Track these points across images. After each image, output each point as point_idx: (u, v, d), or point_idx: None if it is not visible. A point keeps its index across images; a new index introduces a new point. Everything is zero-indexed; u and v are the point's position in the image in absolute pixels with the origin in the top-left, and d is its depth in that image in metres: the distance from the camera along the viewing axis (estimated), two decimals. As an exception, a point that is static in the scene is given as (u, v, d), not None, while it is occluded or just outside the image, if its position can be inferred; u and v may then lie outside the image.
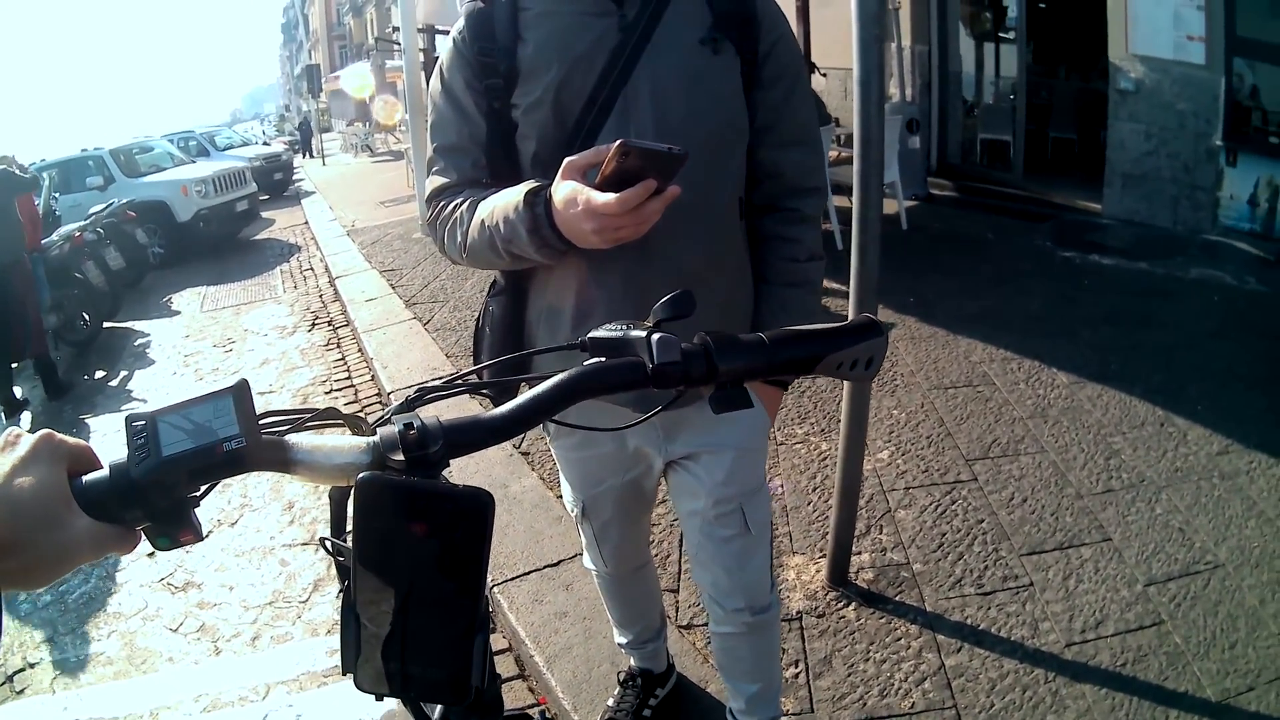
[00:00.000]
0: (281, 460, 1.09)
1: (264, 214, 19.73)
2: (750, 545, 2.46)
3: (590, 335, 1.24)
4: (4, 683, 4.43)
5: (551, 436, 2.50)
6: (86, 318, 11.03)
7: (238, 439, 1.03)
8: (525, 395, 1.16)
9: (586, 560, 2.93)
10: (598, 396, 1.18)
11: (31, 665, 4.54)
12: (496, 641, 3.93)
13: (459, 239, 2.11)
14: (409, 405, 1.18)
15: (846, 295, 3.51)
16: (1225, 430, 4.76)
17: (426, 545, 1.03)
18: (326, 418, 1.23)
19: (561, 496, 3.12)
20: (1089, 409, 5.10)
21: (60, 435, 1.03)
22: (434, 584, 1.06)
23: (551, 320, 2.20)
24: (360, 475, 1.02)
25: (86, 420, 8.14)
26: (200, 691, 4.11)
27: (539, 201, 1.83)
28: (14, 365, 9.32)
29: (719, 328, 1.22)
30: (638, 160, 1.56)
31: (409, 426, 1.07)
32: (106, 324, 11.42)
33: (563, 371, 1.17)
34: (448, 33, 2.25)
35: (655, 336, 1.15)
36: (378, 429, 1.11)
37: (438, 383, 1.27)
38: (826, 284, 2.45)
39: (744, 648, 2.69)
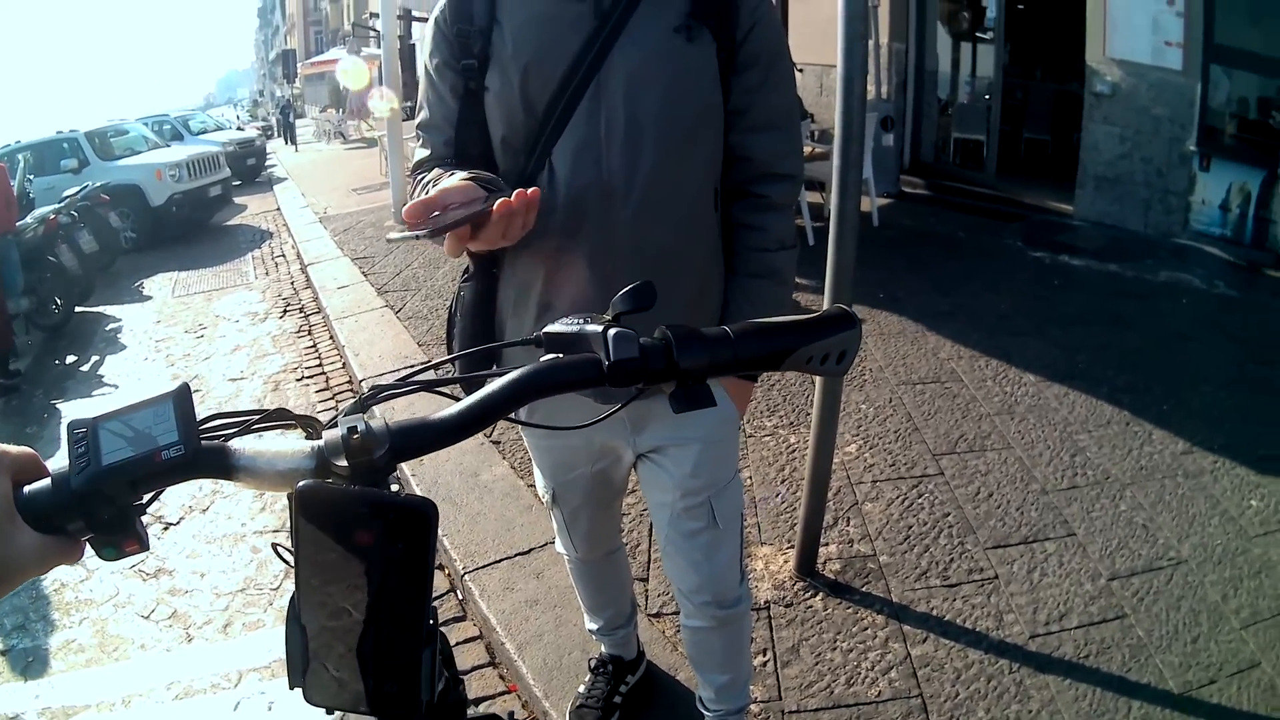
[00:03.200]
0: (224, 467, 1.07)
1: (237, 199, 19.59)
2: (718, 539, 2.48)
3: (546, 330, 1.21)
4: None
5: (525, 430, 2.51)
6: (59, 302, 10.98)
7: (177, 446, 1.01)
8: (476, 395, 1.13)
9: (558, 545, 2.94)
10: (553, 395, 1.15)
11: (3, 653, 4.54)
12: (466, 630, 3.98)
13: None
14: (362, 405, 1.13)
15: (816, 290, 3.58)
16: (1190, 430, 4.88)
17: (369, 556, 1.03)
18: (276, 419, 1.19)
19: (533, 485, 3.15)
20: (1056, 407, 5.22)
21: (3, 446, 1.02)
22: (379, 595, 1.06)
23: (519, 307, 2.23)
24: (299, 484, 1.02)
25: (58, 405, 8.12)
26: (172, 679, 4.13)
27: None
28: None
29: (689, 321, 1.18)
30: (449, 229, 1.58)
31: (353, 430, 1.04)
32: (79, 308, 11.35)
33: (516, 368, 1.14)
34: (426, 19, 2.31)
35: (612, 332, 1.11)
36: (323, 433, 1.10)
37: (392, 380, 1.24)
38: (796, 279, 2.43)
39: (713, 640, 2.73)
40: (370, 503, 1.02)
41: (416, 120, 2.27)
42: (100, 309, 11.67)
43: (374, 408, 1.14)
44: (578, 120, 2.02)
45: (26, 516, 0.97)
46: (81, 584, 5.04)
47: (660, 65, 2.03)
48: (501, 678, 3.74)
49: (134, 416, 1.03)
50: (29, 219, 10.99)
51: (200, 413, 1.08)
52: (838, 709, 3.27)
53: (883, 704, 3.26)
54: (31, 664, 4.42)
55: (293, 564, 1.09)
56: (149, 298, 12.04)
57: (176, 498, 5.80)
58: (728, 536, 2.51)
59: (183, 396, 1.05)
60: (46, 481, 1.01)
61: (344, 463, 1.04)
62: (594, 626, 3.23)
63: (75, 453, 1.00)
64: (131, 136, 18.59)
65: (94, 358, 9.43)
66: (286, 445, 1.10)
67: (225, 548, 5.17)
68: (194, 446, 1.02)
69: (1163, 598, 3.66)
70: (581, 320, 1.18)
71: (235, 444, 1.09)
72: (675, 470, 2.39)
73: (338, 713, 1.23)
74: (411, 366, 1.39)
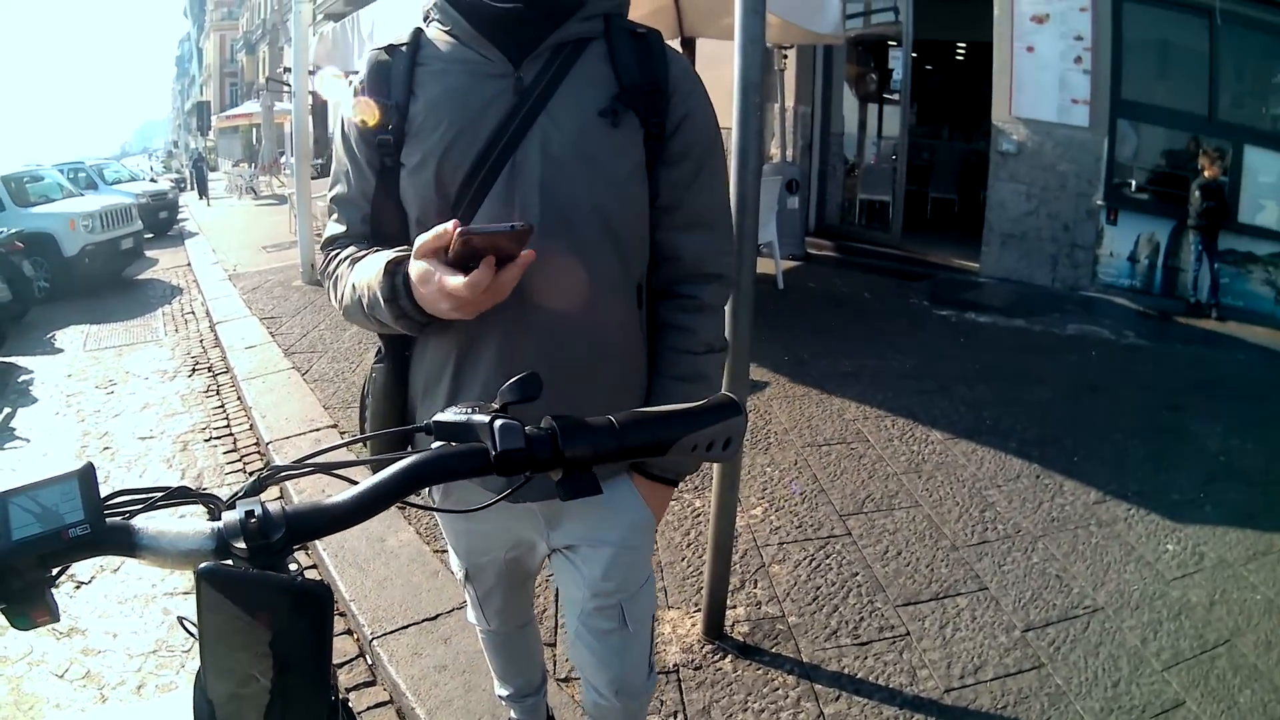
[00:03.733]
0: (128, 545, 1.09)
1: (149, 253, 19.32)
2: (628, 640, 2.42)
3: (435, 419, 1.24)
4: None
5: (437, 503, 2.39)
6: None
7: (83, 525, 1.03)
8: (368, 482, 1.16)
9: (470, 615, 2.87)
10: (442, 482, 1.21)
11: None
12: (377, 694, 3.90)
13: (338, 294, 2.06)
14: (259, 486, 1.18)
15: None
16: (1102, 480, 4.89)
17: (269, 636, 1.04)
18: (178, 497, 1.20)
19: (440, 551, 3.07)
20: (964, 463, 5.21)
21: None
22: (281, 674, 1.06)
23: (429, 393, 2.11)
24: (200, 566, 1.02)
25: None
26: None
27: (399, 272, 1.80)
28: None
29: (604, 415, 1.21)
30: (482, 241, 1.55)
31: (249, 514, 1.07)
32: None
33: (405, 456, 1.17)
34: (341, 76, 2.21)
35: (498, 423, 1.14)
36: (223, 514, 1.12)
37: (287, 463, 1.28)
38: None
39: (618, 717, 2.67)
40: (268, 585, 1.04)
41: (330, 193, 2.15)
42: (12, 359, 11.46)
43: (275, 487, 1.23)
44: (492, 202, 1.91)
45: None
46: None
47: (580, 148, 1.94)
48: None
49: (41, 493, 1.05)
50: None
51: (105, 488, 1.10)
52: None
53: None
54: None
55: (198, 639, 1.08)
56: (61, 350, 11.83)
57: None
58: (638, 637, 2.45)
59: (87, 476, 1.08)
60: None
61: (242, 545, 1.06)
62: (504, 693, 3.15)
63: None
64: (47, 183, 18.29)
65: (4, 409, 9.21)
66: (188, 526, 1.12)
67: (136, 609, 5.06)
68: (99, 526, 1.05)
69: (1080, 645, 3.64)
70: (470, 409, 1.21)
71: (139, 522, 1.12)
72: (588, 571, 2.32)
73: None
74: (315, 450, 1.35)
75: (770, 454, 5.59)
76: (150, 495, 1.18)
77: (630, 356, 2.15)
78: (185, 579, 5.25)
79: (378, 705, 3.85)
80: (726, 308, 3.05)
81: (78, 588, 5.33)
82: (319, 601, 1.05)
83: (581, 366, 1.91)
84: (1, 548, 1.01)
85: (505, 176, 1.91)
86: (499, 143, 1.91)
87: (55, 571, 1.09)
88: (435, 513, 2.45)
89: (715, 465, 3.62)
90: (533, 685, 3.13)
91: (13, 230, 13.42)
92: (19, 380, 10.48)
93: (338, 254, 2.08)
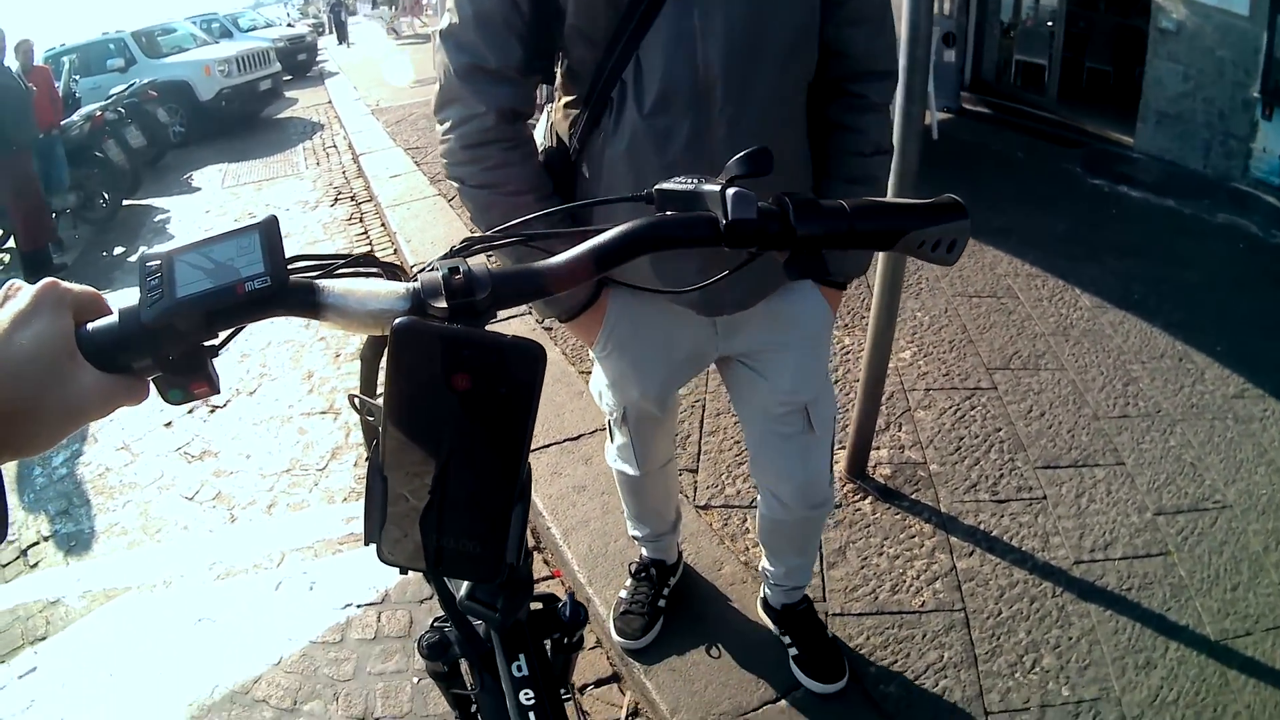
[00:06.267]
0: (311, 304, 0.95)
1: (287, 94, 19.25)
2: (812, 444, 2.33)
3: (659, 187, 1.10)
4: (17, 557, 4.39)
5: (602, 344, 2.25)
6: (106, 196, 10.93)
7: (262, 278, 0.88)
8: (585, 244, 1.01)
9: (613, 459, 2.77)
10: (664, 250, 1.02)
11: (46, 538, 4.49)
12: None
13: (486, 211, 1.91)
14: (455, 254, 1.04)
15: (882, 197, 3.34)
16: (1242, 374, 4.59)
17: (468, 401, 0.92)
18: (363, 264, 1.06)
19: (585, 372, 2.94)
20: (1110, 334, 4.93)
21: (66, 283, 0.91)
22: (474, 445, 0.96)
23: (607, 194, 1.92)
24: (397, 320, 0.90)
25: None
26: (214, 560, 4.06)
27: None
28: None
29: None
30: None
31: (454, 271, 0.94)
32: (126, 201, 11.28)
33: (614, 226, 1.01)
34: None
35: (730, 191, 0.99)
36: (419, 276, 0.98)
37: (485, 232, 1.15)
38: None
39: (794, 531, 2.62)
40: (476, 342, 0.91)
41: (443, 24, 1.82)
42: (149, 201, 11.60)
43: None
44: (670, 11, 1.71)
45: (89, 354, 0.86)
46: (126, 467, 5.00)
47: None
48: (546, 563, 3.64)
49: (215, 248, 0.91)
50: (75, 117, 10.86)
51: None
52: (880, 615, 3.12)
53: (925, 614, 3.11)
54: (74, 548, 4.38)
55: (373, 417, 1.02)
56: (198, 189, 11.97)
57: (223, 379, 5.66)
58: (822, 441, 2.35)
59: (271, 227, 0.93)
60: (113, 317, 0.90)
61: (443, 304, 0.93)
62: (638, 534, 3.08)
63: (147, 286, 0.88)
64: (179, 35, 18.17)
65: (141, 248, 9.26)
66: (380, 285, 0.98)
67: (272, 429, 5.12)
68: (281, 279, 0.89)
69: (1206, 540, 3.42)
70: (696, 180, 1.07)
71: (324, 282, 0.97)
72: (771, 376, 2.22)
73: (413, 572, 1.11)
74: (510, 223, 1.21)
75: (921, 299, 5.38)
76: (332, 260, 1.04)
77: (800, 160, 2.03)
78: (323, 398, 5.25)
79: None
80: (894, 140, 2.85)
81: (212, 412, 5.44)
82: (533, 359, 0.91)
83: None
84: (162, 306, 0.86)
85: None
86: None
87: (222, 337, 0.95)
88: (610, 348, 2.22)
89: (874, 302, 3.45)
90: (667, 524, 3.05)
91: (145, 80, 13.26)
92: (155, 220, 10.71)
93: (493, 135, 1.84)
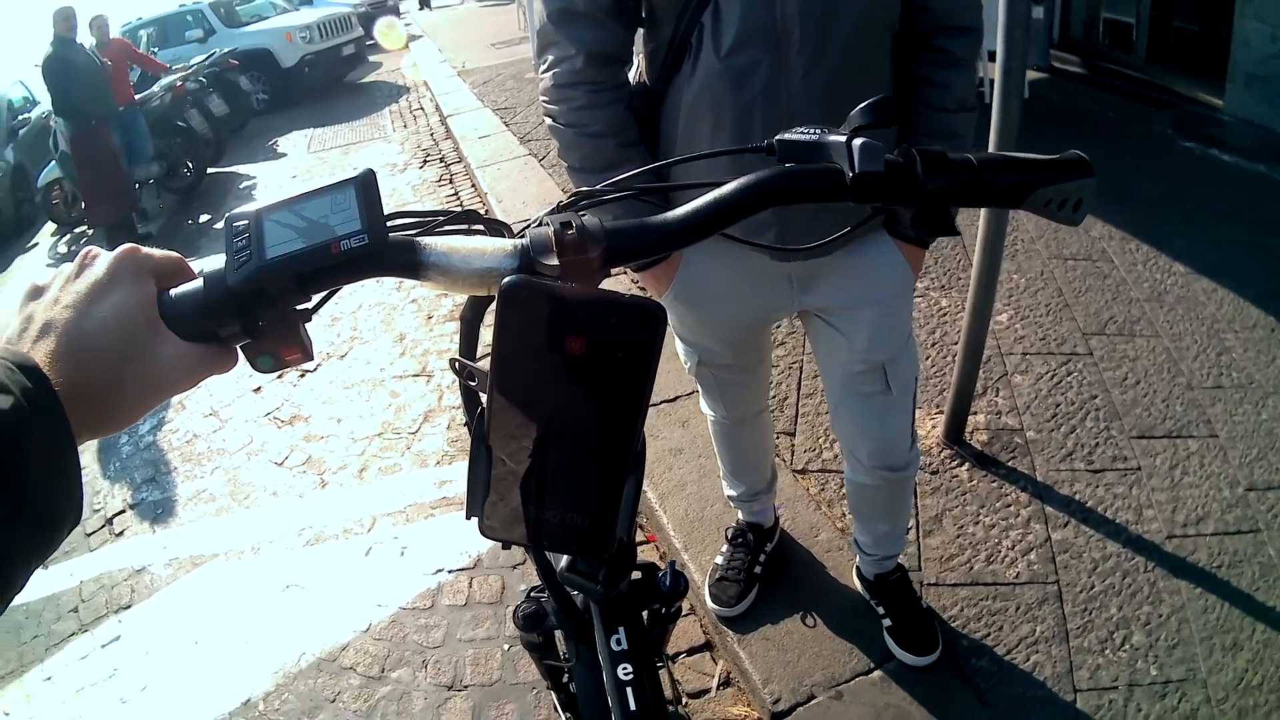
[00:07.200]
0: (411, 264, 0.89)
1: (371, 58, 19.21)
2: (890, 404, 2.29)
3: (780, 137, 1.01)
4: (103, 526, 4.45)
5: (671, 296, 2.24)
6: (190, 165, 11.04)
7: (359, 236, 0.82)
8: (705, 197, 0.95)
9: (703, 405, 2.77)
10: (788, 204, 0.95)
11: (132, 506, 4.55)
12: None
13: (569, 149, 1.99)
14: (561, 209, 0.97)
15: None
16: (1338, 350, 4.42)
17: (581, 366, 0.84)
18: (465, 221, 1.02)
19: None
20: (1204, 301, 4.77)
21: (146, 249, 0.86)
22: (585, 414, 0.88)
23: (688, 140, 1.96)
24: (505, 279, 0.82)
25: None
26: (304, 525, 4.09)
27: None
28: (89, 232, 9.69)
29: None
30: None
31: (566, 226, 0.88)
32: (211, 170, 11.37)
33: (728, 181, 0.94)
34: None
35: (857, 141, 0.91)
36: (527, 231, 0.91)
37: (594, 187, 1.07)
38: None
39: (878, 496, 2.58)
40: (592, 302, 0.83)
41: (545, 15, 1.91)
42: (233, 169, 11.68)
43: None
44: None
45: (173, 323, 0.82)
46: (214, 434, 5.07)
47: None
48: (640, 527, 3.55)
49: (306, 206, 0.86)
50: (155, 88, 10.96)
51: None
52: (975, 586, 3.07)
53: (1020, 586, 3.06)
54: (160, 515, 4.43)
55: (475, 382, 0.98)
56: (284, 155, 12.01)
57: (314, 343, 5.70)
58: (901, 401, 2.31)
59: (368, 182, 0.88)
60: (197, 282, 0.86)
61: (554, 261, 0.87)
62: (733, 493, 3.05)
63: (234, 247, 0.83)
64: (258, 4, 18.09)
65: (227, 214, 9.51)
66: (485, 243, 0.92)
67: (363, 393, 5.13)
68: (380, 237, 0.84)
69: (1296, 518, 3.32)
70: (820, 130, 0.99)
71: (425, 240, 0.91)
72: (849, 335, 2.19)
73: (515, 546, 1.05)
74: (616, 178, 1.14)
75: (1016, 261, 5.24)
76: (432, 217, 0.99)
77: None
78: (415, 361, 5.25)
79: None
80: (994, 94, 2.74)
81: (302, 376, 5.46)
82: (653, 320, 0.82)
83: (844, 119, 1.68)
84: (251, 268, 0.81)
85: None
86: None
87: (315, 301, 0.90)
88: (680, 298, 2.20)
89: (975, 263, 3.36)
90: (763, 482, 3.01)
91: (225, 50, 13.31)
92: (240, 187, 10.84)
93: (593, 86, 1.91)
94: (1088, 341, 4.39)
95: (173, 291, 0.85)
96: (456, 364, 1.03)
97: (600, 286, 0.90)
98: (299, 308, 0.88)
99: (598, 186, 1.07)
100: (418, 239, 0.91)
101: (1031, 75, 8.74)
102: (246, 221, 0.85)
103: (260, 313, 0.85)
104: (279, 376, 5.39)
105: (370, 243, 0.82)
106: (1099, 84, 9.42)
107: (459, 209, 1.03)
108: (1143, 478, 3.48)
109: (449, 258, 0.90)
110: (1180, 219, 5.73)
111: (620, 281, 4.64)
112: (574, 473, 0.92)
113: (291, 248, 0.82)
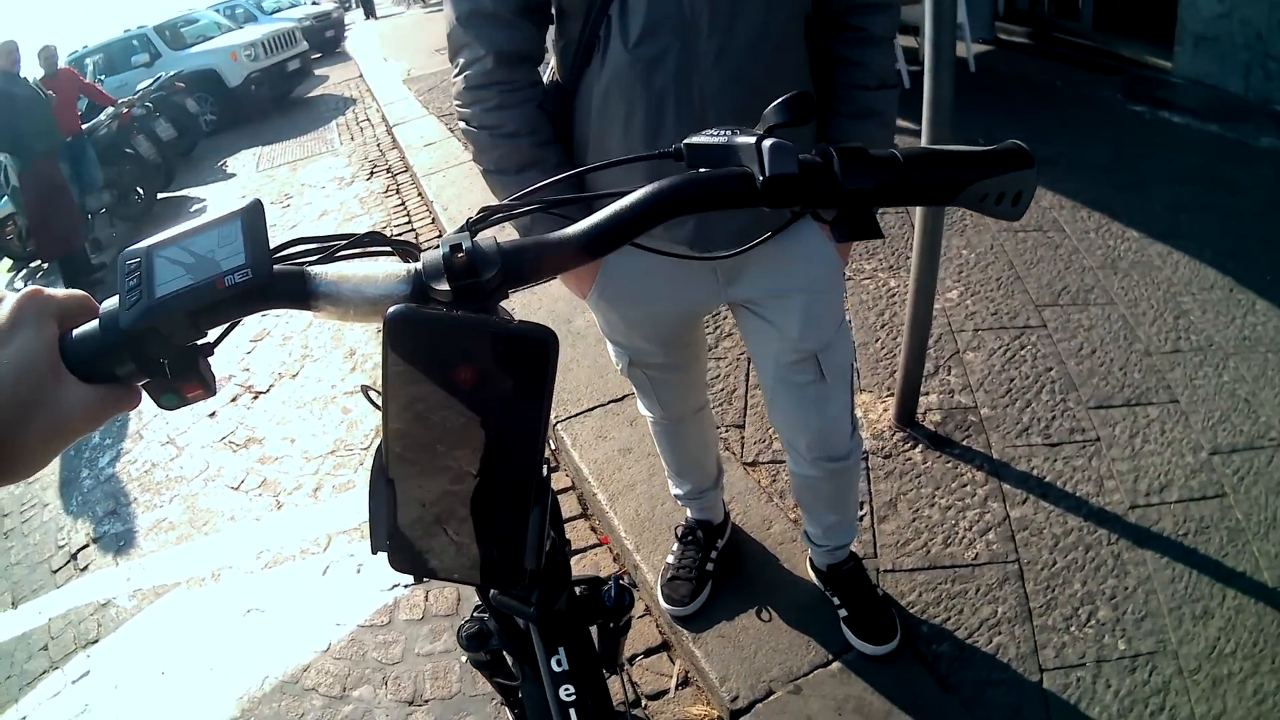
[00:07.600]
0: (301, 294, 0.86)
1: (317, 71, 19.18)
2: (826, 393, 2.23)
3: (687, 141, 0.97)
4: (68, 561, 4.46)
5: (595, 297, 2.20)
6: (140, 192, 11.06)
7: (243, 270, 0.79)
8: (607, 210, 0.90)
9: (642, 407, 2.71)
10: (693, 213, 0.90)
11: (95, 540, 4.55)
12: (559, 481, 3.79)
13: (484, 152, 1.93)
14: (469, 227, 0.92)
15: (914, 133, 3.17)
16: (1296, 305, 4.37)
17: (473, 396, 0.83)
18: (368, 244, 0.96)
19: None
20: (1159, 265, 4.71)
21: (50, 290, 0.83)
22: (482, 445, 0.86)
23: (595, 155, 1.92)
24: (390, 310, 0.81)
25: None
26: (262, 548, 4.08)
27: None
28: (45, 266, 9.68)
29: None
30: None
31: (456, 249, 0.84)
32: (161, 195, 11.39)
33: (639, 188, 0.89)
34: None
35: (767, 143, 0.86)
36: (422, 255, 0.89)
37: (501, 202, 1.02)
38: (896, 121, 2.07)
39: (822, 487, 2.51)
40: (478, 330, 0.81)
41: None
42: (184, 192, 11.72)
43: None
44: None
45: (73, 365, 0.80)
46: (172, 462, 5.07)
47: None
48: (593, 529, 3.57)
49: (196, 240, 0.83)
50: (102, 116, 10.88)
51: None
52: (933, 570, 3.00)
53: (979, 567, 2.99)
54: (122, 547, 4.45)
55: (381, 405, 0.90)
56: (233, 175, 12.04)
57: (265, 364, 5.84)
58: (837, 390, 2.25)
59: (253, 214, 0.85)
60: (94, 323, 0.82)
61: (446, 286, 0.84)
62: (679, 492, 2.98)
63: (125, 286, 0.80)
64: (203, 24, 18.06)
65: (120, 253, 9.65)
66: (377, 269, 0.89)
67: (315, 411, 5.16)
68: (263, 271, 0.80)
69: (1262, 480, 3.24)
70: (729, 131, 0.95)
71: (317, 269, 0.88)
72: (779, 324, 2.13)
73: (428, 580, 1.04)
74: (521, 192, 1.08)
75: (965, 236, 5.17)
76: (330, 243, 0.94)
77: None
78: (368, 375, 5.33)
79: (560, 491, 3.74)
80: (925, 71, 2.77)
81: (255, 398, 5.48)
82: (542, 349, 0.81)
83: (760, 104, 1.60)
84: (140, 308, 0.78)
85: None
86: None
87: (214, 336, 0.87)
88: (603, 300, 2.14)
89: (916, 241, 3.26)
90: (709, 479, 2.95)
91: (171, 73, 13.22)
92: (192, 210, 10.91)
93: (506, 83, 1.86)
94: (1041, 313, 4.31)
95: (75, 333, 0.82)
96: (370, 391, 1.00)
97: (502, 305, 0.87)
98: (200, 342, 0.85)
99: (506, 201, 1.03)
100: (308, 269, 0.88)
101: (978, 48, 8.77)
102: (138, 259, 0.82)
103: (154, 351, 0.82)
104: (232, 400, 5.41)
105: (254, 277, 0.79)
106: (1047, 53, 9.39)
107: (367, 230, 0.99)
108: (1102, 449, 3.41)
109: (339, 287, 0.86)
110: (1133, 184, 5.67)
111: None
112: (477, 504, 0.89)
113: (180, 285, 0.79)
